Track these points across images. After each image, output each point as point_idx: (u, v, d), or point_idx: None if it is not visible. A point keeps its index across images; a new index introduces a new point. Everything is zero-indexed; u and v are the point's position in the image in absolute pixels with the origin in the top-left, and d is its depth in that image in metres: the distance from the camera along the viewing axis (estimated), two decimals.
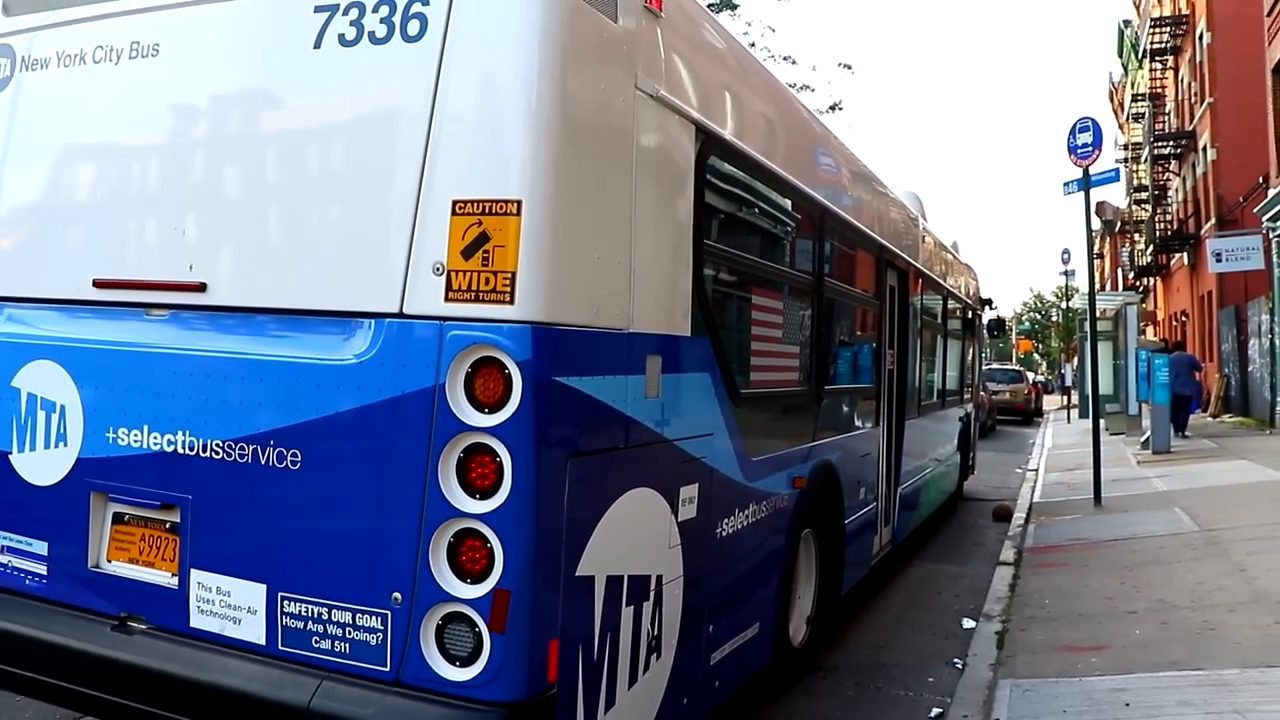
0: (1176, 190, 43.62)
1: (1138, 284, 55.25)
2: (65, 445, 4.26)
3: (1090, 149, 14.39)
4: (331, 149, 3.85)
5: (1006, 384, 41.08)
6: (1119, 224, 60.83)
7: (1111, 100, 63.93)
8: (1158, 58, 43.50)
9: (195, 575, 3.97)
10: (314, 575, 3.73)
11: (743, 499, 5.13)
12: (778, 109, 5.76)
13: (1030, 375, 57.74)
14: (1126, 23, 54.89)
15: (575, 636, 3.72)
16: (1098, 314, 19.80)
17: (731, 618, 5.05)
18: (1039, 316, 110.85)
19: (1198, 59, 37.57)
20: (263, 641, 3.81)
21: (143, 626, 4.05)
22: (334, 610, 3.69)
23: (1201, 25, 36.89)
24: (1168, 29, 41.70)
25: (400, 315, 3.59)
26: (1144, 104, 45.25)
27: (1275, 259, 26.32)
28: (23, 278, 4.47)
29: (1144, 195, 48.38)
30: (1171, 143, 41.28)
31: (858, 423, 7.74)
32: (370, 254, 3.67)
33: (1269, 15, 26.62)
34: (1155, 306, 53.25)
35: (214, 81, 4.15)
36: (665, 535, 4.32)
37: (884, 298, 8.69)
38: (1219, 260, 29.34)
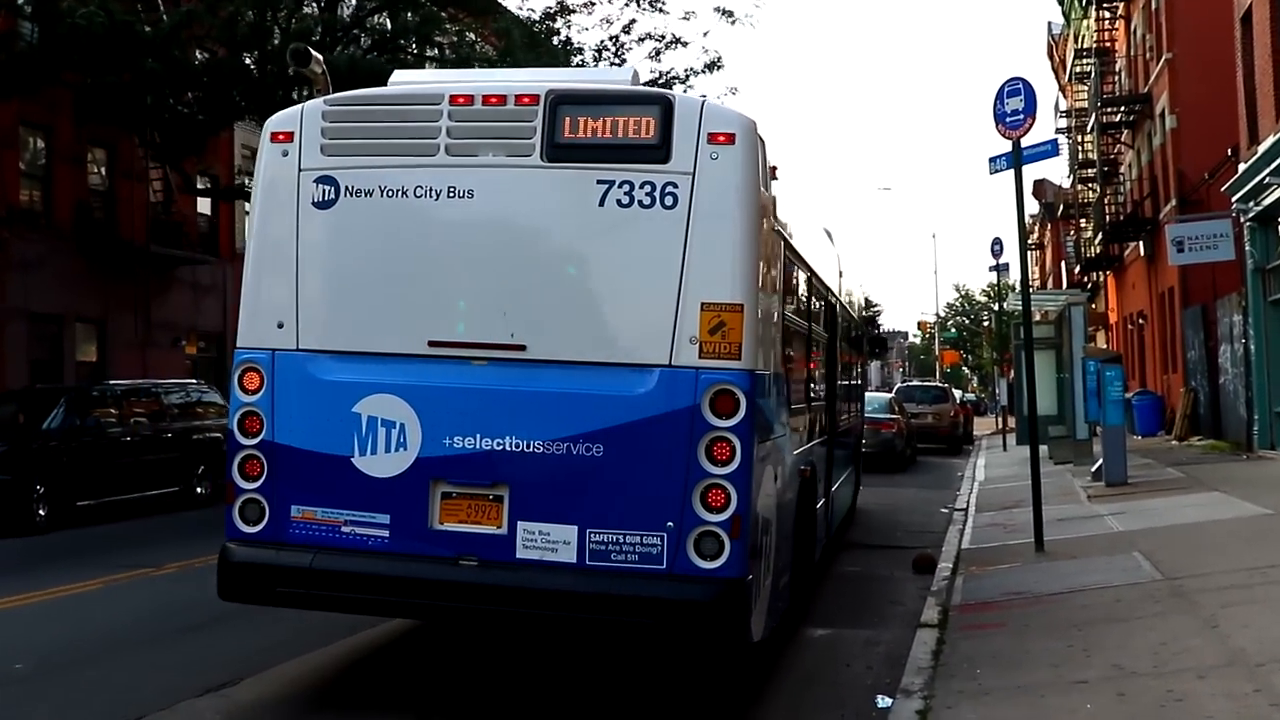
0: (1130, 166, 45.01)
1: (1085, 280, 56.96)
2: (405, 450, 8.57)
3: (1022, 117, 14.63)
4: (617, 267, 8.46)
5: (929, 405, 42.15)
6: (1061, 207, 62.69)
7: (1051, 57, 65.86)
8: (1105, 5, 44.84)
9: (521, 524, 8.40)
10: (613, 516, 8.23)
11: (791, 476, 10.26)
12: (809, 227, 11.72)
13: (957, 394, 59.09)
14: None
15: (756, 545, 8.55)
16: (1036, 317, 20.22)
17: (787, 552, 10.04)
18: (968, 321, 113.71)
19: (1153, 6, 38.69)
20: (574, 560, 8.25)
21: (474, 562, 8.45)
22: (627, 536, 8.21)
23: None
24: None
25: (670, 365, 8.25)
26: (1090, 61, 46.18)
27: (1248, 248, 27.04)
28: (362, 339, 8.80)
29: (1090, 172, 49.84)
30: (1123, 108, 42.52)
31: (819, 433, 12.91)
32: (649, 331, 8.32)
33: None
34: (1106, 307, 54.91)
35: (521, 218, 8.64)
36: (777, 491, 9.44)
37: (832, 333, 14.38)
38: (1181, 250, 30.30)
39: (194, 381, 27.61)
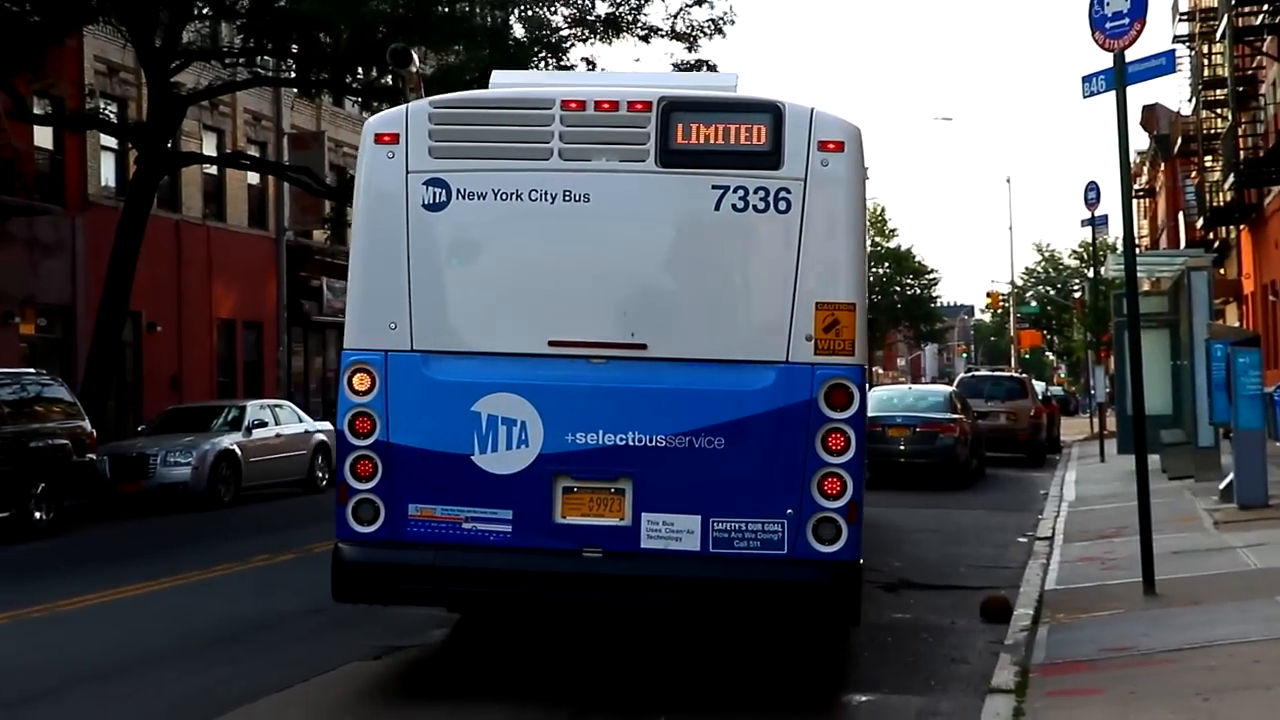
0: (1274, 84, 44.74)
1: (1210, 237, 56.80)
2: (527, 446, 11.06)
3: (1127, 21, 14.62)
4: (733, 269, 11.45)
5: (1001, 401, 42.11)
6: (1178, 141, 62.54)
7: None
8: None
9: (645, 516, 11.00)
10: (735, 505, 10.96)
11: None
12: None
13: (1039, 387, 58.90)
14: None
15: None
16: (1145, 285, 20.06)
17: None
18: (1052, 292, 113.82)
19: None
20: (698, 549, 10.93)
21: (598, 553, 11.03)
22: (749, 524, 10.91)
23: None
24: None
25: (787, 362, 11.02)
26: None
27: None
28: (480, 339, 11.33)
29: (1220, 94, 49.40)
30: (1266, 5, 42.05)
31: None
32: (765, 329, 11.13)
33: None
34: (1239, 273, 54.58)
35: (638, 221, 11.32)
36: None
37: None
38: None
39: (31, 371, 27.69)
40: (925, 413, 32.72)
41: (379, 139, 11.46)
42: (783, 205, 11.07)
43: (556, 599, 11.81)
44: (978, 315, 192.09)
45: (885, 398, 34.96)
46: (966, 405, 36.30)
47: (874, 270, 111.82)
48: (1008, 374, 52.72)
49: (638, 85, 12.07)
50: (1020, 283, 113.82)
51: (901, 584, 17.19)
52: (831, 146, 11.09)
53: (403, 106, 11.81)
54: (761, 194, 11.08)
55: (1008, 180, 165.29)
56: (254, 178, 47.08)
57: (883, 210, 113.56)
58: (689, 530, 10.99)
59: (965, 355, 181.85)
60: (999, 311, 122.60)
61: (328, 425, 34.28)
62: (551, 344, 11.19)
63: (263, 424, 32.20)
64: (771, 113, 11.18)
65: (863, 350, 11.15)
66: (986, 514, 25.87)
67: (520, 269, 11.38)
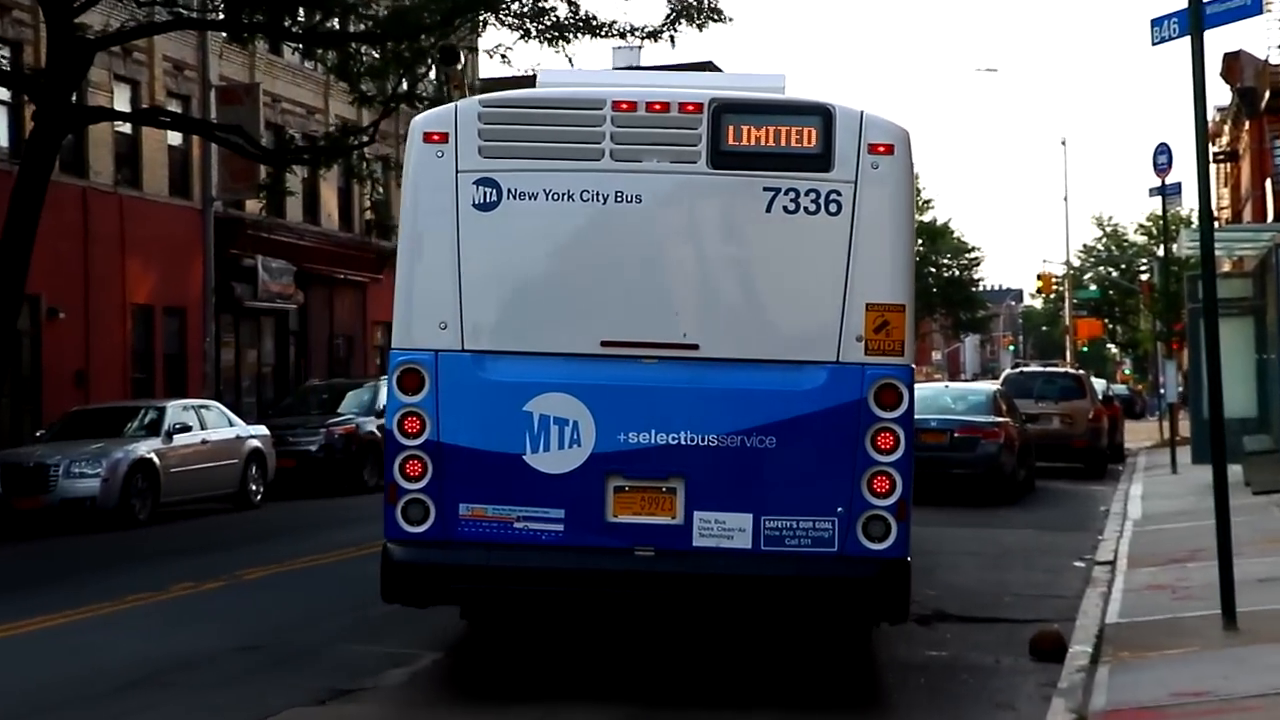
0: None
1: None
2: (579, 446, 12.80)
3: None
4: (784, 270, 13.08)
5: (1054, 402, 42.21)
6: (1266, 95, 62.50)
7: None
8: None
9: (697, 514, 12.83)
10: (786, 503, 12.83)
11: None
12: None
13: (1099, 385, 58.65)
14: None
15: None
16: (1225, 266, 19.97)
17: None
18: (1115, 273, 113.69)
19: None
20: (749, 547, 12.78)
21: (650, 552, 12.82)
22: (800, 522, 12.76)
23: None
24: None
25: (838, 363, 12.82)
26: None
27: None
28: (532, 339, 13.00)
29: None
30: None
31: None
32: (816, 330, 12.95)
33: None
34: None
35: (690, 222, 13.34)
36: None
37: None
38: None
39: None
40: (965, 415, 32.75)
41: (428, 138, 12.99)
42: (834, 207, 12.71)
43: (609, 597, 13.55)
44: (1027, 301, 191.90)
45: (919, 398, 33.93)
46: (1013, 407, 36.25)
47: None
48: (1062, 370, 52.64)
49: (685, 86, 13.83)
50: (1077, 263, 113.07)
51: (937, 616, 17.22)
52: (882, 149, 12.76)
53: (451, 105, 13.50)
54: (813, 196, 12.72)
55: (1063, 143, 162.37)
56: (175, 138, 46.36)
57: (915, 178, 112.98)
58: (740, 529, 12.68)
59: (1012, 348, 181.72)
60: (1052, 297, 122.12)
61: (263, 430, 34.27)
62: (604, 344, 12.83)
63: (186, 428, 32.26)
64: (822, 115, 12.84)
65: (911, 351, 12.87)
66: (1036, 534, 25.87)
67: (572, 269, 13.11)
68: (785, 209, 12.77)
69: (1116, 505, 30.28)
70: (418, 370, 12.78)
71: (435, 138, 12.94)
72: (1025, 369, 55.69)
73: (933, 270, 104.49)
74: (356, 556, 21.71)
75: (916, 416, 29.58)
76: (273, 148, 42.38)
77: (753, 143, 12.82)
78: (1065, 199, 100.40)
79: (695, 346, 12.84)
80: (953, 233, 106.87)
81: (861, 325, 12.70)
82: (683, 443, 12.72)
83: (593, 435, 12.72)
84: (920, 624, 16.49)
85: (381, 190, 51.39)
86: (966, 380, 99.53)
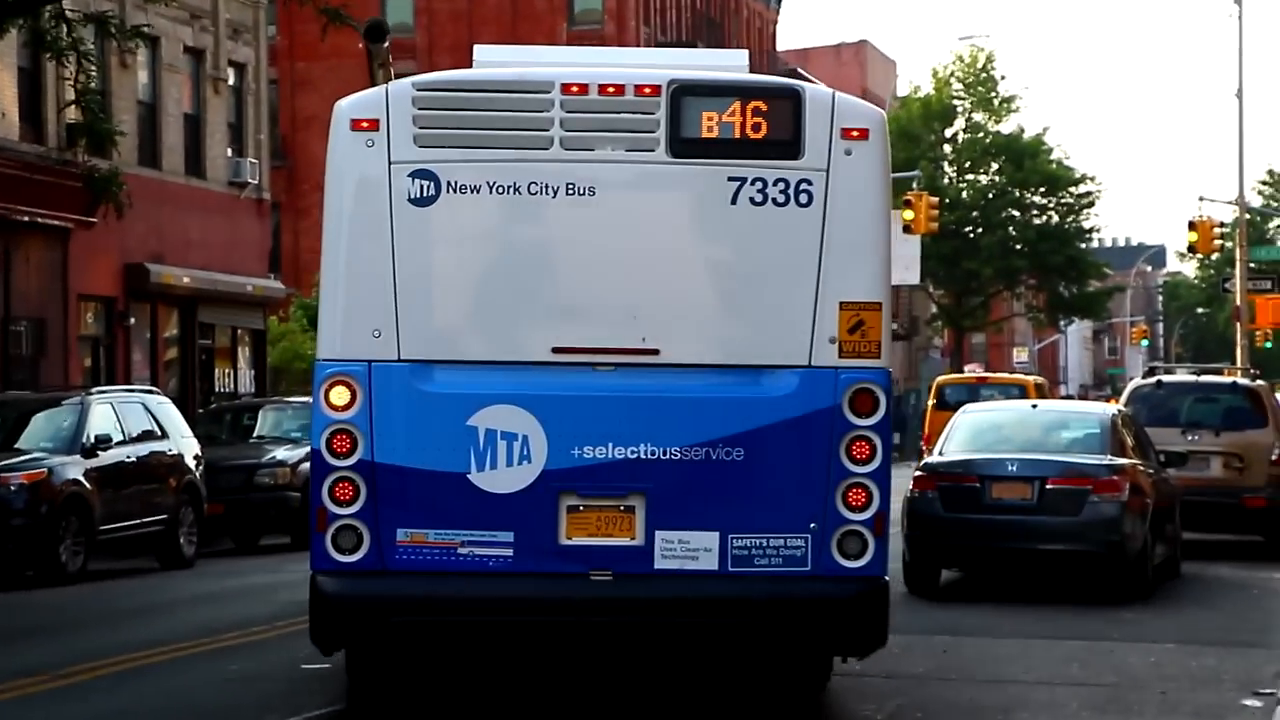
0: None
1: None
2: (529, 462, 12.54)
3: None
4: (752, 267, 13.21)
5: (1214, 433, 32.11)
6: None
7: None
8: None
9: (659, 534, 12.80)
10: (755, 520, 12.98)
11: None
12: None
13: None
14: None
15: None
16: None
17: None
18: None
19: None
20: (716, 567, 12.87)
21: (608, 576, 12.76)
22: (770, 539, 12.93)
23: None
24: None
25: (809, 366, 12.98)
26: None
27: None
28: (477, 347, 12.93)
29: None
30: None
31: None
32: (786, 331, 13.03)
33: None
34: None
35: (649, 215, 13.24)
36: None
37: None
38: None
39: None
40: (1064, 455, 25.23)
41: (355, 125, 12.56)
42: (804, 198, 12.60)
43: (563, 627, 13.10)
44: (1172, 265, 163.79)
45: (989, 425, 27.60)
46: (1145, 441, 27.93)
47: (972, 176, 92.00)
48: (1229, 380, 38.89)
49: (641, 65, 13.90)
50: (1258, 202, 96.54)
51: None
52: (855, 134, 12.66)
53: (381, 88, 13.21)
54: (781, 186, 12.60)
55: (1237, 2, 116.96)
56: None
57: (988, 60, 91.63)
58: (706, 548, 12.64)
59: (1146, 343, 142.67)
60: (1214, 257, 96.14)
61: None
62: (555, 351, 12.67)
63: None
64: (791, 97, 12.77)
65: (888, 352, 12.97)
66: (1181, 651, 20.48)
67: (520, 269, 12.87)
68: (752, 200, 12.65)
69: None
70: (348, 382, 12.45)
71: (364, 125, 12.52)
72: (1167, 378, 41.69)
73: (1016, 213, 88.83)
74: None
75: (986, 455, 25.70)
76: None
77: (716, 128, 12.72)
78: (1239, 93, 78.42)
79: (655, 352, 12.75)
80: (1050, 151, 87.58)
81: (835, 326, 12.69)
82: (642, 457, 12.57)
83: (544, 451, 12.51)
84: None
85: (97, 75, 39.37)
86: (1068, 397, 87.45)
